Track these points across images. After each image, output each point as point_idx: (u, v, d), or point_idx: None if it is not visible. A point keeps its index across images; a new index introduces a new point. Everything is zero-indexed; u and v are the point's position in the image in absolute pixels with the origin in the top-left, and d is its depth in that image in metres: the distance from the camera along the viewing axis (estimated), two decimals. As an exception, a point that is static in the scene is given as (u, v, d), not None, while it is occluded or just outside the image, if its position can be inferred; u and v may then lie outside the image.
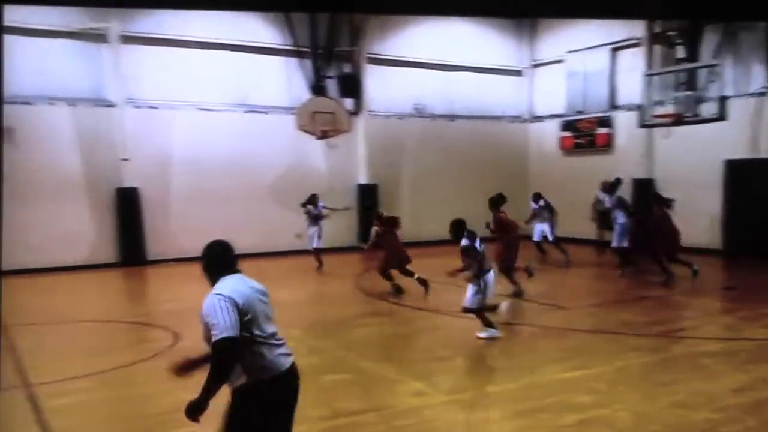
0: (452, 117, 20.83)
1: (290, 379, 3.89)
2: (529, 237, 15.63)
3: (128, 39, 16.33)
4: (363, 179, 19.45)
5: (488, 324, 8.42)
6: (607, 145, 19.31)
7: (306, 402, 6.26)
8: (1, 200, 3.22)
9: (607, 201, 14.18)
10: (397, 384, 6.82)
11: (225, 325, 3.59)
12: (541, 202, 15.80)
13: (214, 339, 3.61)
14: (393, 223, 12.52)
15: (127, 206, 16.36)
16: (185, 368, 4.01)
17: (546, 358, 7.61)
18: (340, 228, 17.89)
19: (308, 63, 18.52)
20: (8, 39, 14.90)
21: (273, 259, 16.22)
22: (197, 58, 17.27)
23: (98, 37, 16.09)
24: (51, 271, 15.13)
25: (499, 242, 11.25)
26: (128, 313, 11.34)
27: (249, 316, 3.71)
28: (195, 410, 3.68)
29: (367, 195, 19.34)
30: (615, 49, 19.06)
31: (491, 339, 8.33)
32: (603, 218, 15.40)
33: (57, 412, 6.06)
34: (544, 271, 13.87)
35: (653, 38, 17.53)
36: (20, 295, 12.37)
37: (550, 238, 15.68)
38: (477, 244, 8.33)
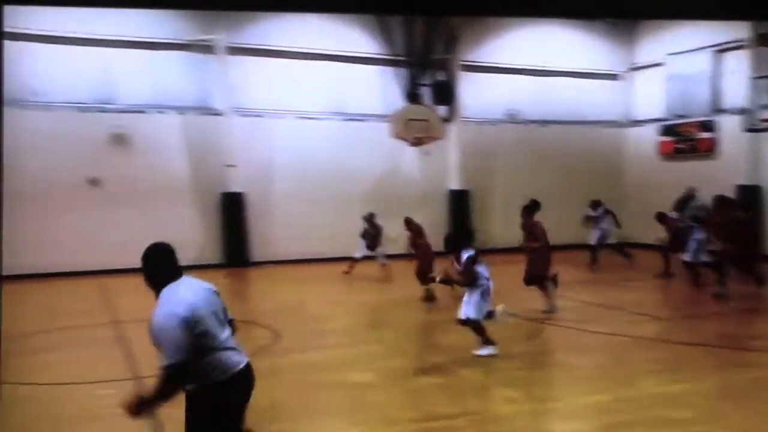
0: (546, 122, 20.41)
1: (243, 380, 3.76)
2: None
3: (235, 50, 16.94)
4: (455, 185, 19.37)
5: (487, 341, 7.83)
6: (709, 150, 18.36)
7: (397, 404, 6.35)
8: (2, 203, 3.35)
9: (673, 214, 13.47)
10: (488, 390, 6.75)
11: (174, 349, 3.42)
12: (600, 210, 15.59)
13: (163, 363, 3.45)
14: (421, 229, 12.58)
15: (232, 210, 16.98)
16: (138, 406, 3.62)
17: (641, 370, 7.31)
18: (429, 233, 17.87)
19: (404, 71, 18.63)
20: (125, 52, 16.04)
21: (367, 263, 16.41)
22: (299, 68, 17.72)
23: (206, 49, 16.77)
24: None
25: (530, 252, 10.52)
26: (232, 311, 11.73)
27: (200, 328, 3.52)
28: (136, 410, 3.56)
29: (459, 201, 19.25)
30: (718, 51, 18.11)
31: (490, 356, 7.71)
32: (675, 238, 13.31)
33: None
34: (633, 279, 13.35)
35: (759, 39, 16.56)
36: (133, 293, 13.08)
37: (609, 243, 15.59)
38: (476, 255, 7.90)
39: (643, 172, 20.46)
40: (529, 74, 20.12)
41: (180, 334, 3.43)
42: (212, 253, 16.95)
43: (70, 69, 15.66)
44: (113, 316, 10.87)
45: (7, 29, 12.94)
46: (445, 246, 8.06)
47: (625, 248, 15.94)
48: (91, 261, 15.38)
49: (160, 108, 16.58)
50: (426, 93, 18.81)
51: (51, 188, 15.32)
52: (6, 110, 13.09)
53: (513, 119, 20.17)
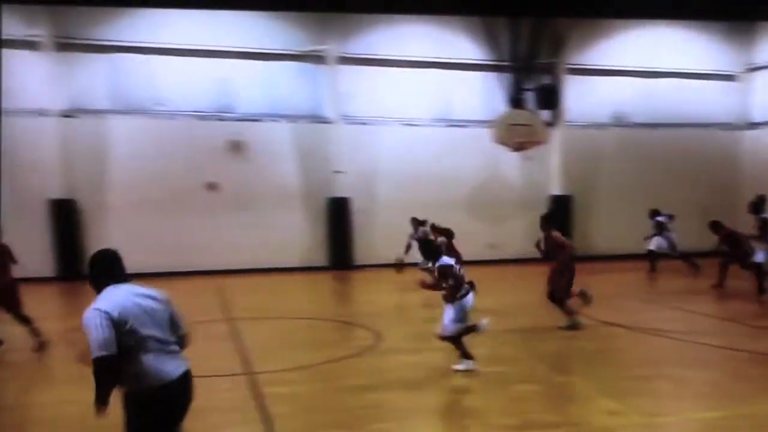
0: (654, 125, 19.55)
1: (178, 389, 3.76)
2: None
3: (344, 60, 17.34)
4: (556, 190, 18.91)
5: (466, 355, 7.44)
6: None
7: (495, 410, 6.28)
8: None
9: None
10: (589, 400, 6.54)
11: (99, 343, 3.49)
12: (660, 218, 15.23)
13: (92, 356, 3.52)
14: (450, 234, 12.27)
15: (338, 215, 17.36)
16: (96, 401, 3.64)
17: (759, 388, 6.85)
18: (525, 239, 17.60)
19: (507, 76, 18.41)
20: (242, 63, 16.74)
21: (467, 267, 16.33)
22: (405, 75, 17.92)
23: (318, 59, 17.25)
24: (269, 271, 16.50)
25: (551, 265, 9.80)
26: (335, 312, 12.04)
27: (128, 327, 3.56)
28: (97, 406, 3.59)
29: (560, 206, 18.79)
30: None
31: (468, 371, 7.35)
32: (734, 247, 12.39)
33: (274, 398, 6.56)
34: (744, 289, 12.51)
35: None
36: (246, 292, 13.66)
37: (672, 252, 15.11)
38: (455, 263, 7.58)
39: (760, 176, 19.17)
40: (637, 76, 19.37)
41: (104, 330, 3.51)
42: (318, 255, 17.40)
43: (191, 79, 16.55)
44: (228, 314, 11.38)
45: (136, 44, 13.90)
46: (422, 253, 7.80)
47: (692, 258, 15.18)
48: (207, 261, 16.18)
49: (274, 116, 17.19)
50: (529, 97, 18.50)
51: (173, 192, 16.26)
52: (135, 119, 14.01)
53: (619, 122, 19.47)
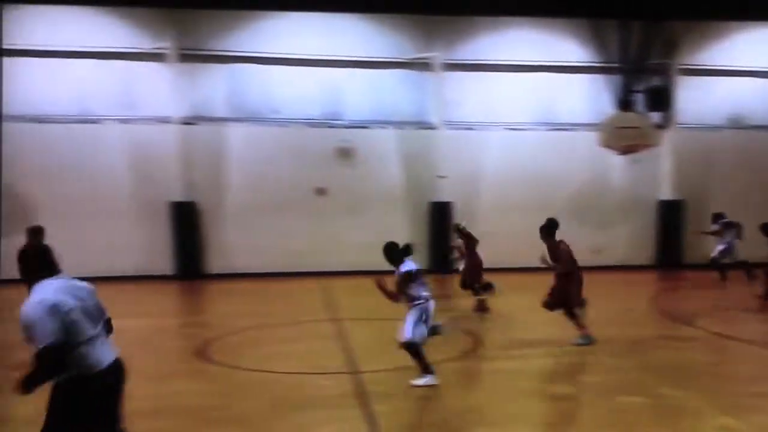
0: (774, 128, 18.26)
1: (111, 375, 3.85)
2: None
3: (449, 66, 17.33)
4: (666, 195, 18.02)
5: (426, 369, 7.01)
6: None
7: (599, 421, 6.08)
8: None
9: None
10: (700, 415, 6.18)
11: (46, 332, 3.51)
12: (722, 223, 14.68)
13: (37, 348, 3.51)
14: (471, 237, 12.02)
15: (440, 218, 17.33)
16: (23, 386, 3.60)
17: None
18: (631, 245, 17.01)
19: (616, 78, 17.76)
20: (351, 71, 17.05)
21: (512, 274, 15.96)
22: (509, 80, 17.70)
23: (424, 66, 17.33)
24: (373, 273, 16.58)
25: (556, 277, 9.06)
26: (439, 317, 11.99)
27: (69, 318, 3.62)
28: (22, 389, 3.57)
29: (670, 211, 17.92)
30: None
31: (428, 387, 6.90)
32: None
33: (377, 396, 6.65)
34: None
35: None
36: (351, 293, 13.91)
37: (729, 260, 14.47)
38: (416, 268, 7.27)
39: None
40: (757, 76, 18.15)
41: (49, 319, 3.56)
42: (419, 259, 17.42)
43: (303, 88, 17.05)
44: (333, 314, 11.66)
45: (253, 54, 14.41)
46: (385, 258, 7.44)
47: (750, 266, 14.14)
48: (315, 263, 16.62)
49: (381, 123, 17.44)
50: (639, 99, 17.76)
51: (284, 196, 16.83)
52: (251, 126, 14.57)
53: (736, 124, 18.32)
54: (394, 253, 7.40)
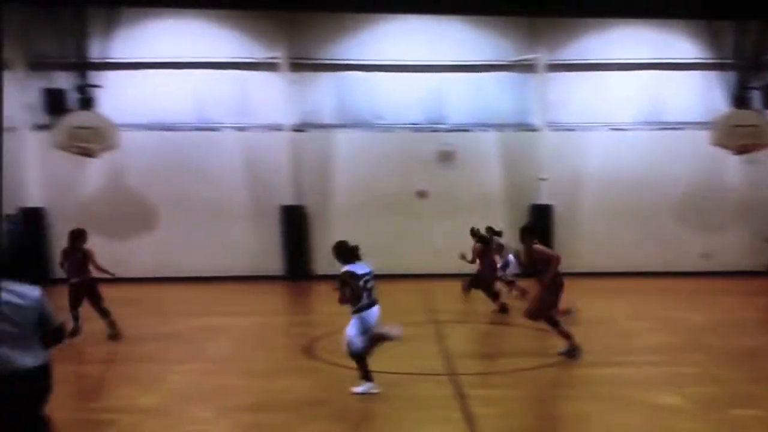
0: None
1: (27, 379, 3.89)
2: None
3: (553, 67, 16.99)
4: (784, 196, 16.78)
5: (366, 376, 6.78)
6: None
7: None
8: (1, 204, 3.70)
9: None
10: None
11: None
12: None
13: None
14: (487, 241, 12.07)
15: (541, 222, 16.91)
16: None
17: None
18: (745, 250, 15.90)
19: (730, 75, 16.74)
20: (453, 75, 16.95)
21: (676, 279, 15.13)
22: (615, 79, 17.15)
23: (527, 68, 17.06)
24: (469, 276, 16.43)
25: (537, 282, 8.41)
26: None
27: None
28: None
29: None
30: None
31: (368, 394, 6.69)
32: None
33: (477, 400, 6.58)
34: None
35: None
36: (450, 296, 13.87)
37: None
38: (363, 271, 6.81)
39: None
40: None
41: None
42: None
43: (407, 93, 17.21)
44: (432, 316, 11.67)
45: (360, 62, 14.67)
46: (334, 256, 7.11)
47: None
48: (415, 265, 16.68)
49: (483, 126, 17.29)
50: (756, 96, 16.64)
51: (387, 199, 17.03)
52: (357, 132, 14.78)
53: None
54: (341, 252, 7.11)
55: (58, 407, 6.40)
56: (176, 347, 9.37)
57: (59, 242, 15.42)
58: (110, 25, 16.21)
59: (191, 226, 16.63)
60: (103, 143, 15.05)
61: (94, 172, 16.18)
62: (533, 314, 8.47)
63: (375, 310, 6.87)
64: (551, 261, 8.17)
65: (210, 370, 8.10)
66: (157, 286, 15.73)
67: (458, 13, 16.70)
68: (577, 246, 16.83)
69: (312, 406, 6.57)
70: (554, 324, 8.34)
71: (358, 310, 6.77)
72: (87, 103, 15.83)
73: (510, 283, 12.96)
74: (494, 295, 11.80)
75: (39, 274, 12.86)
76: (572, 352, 8.25)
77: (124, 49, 16.38)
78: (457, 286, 13.43)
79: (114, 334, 9.72)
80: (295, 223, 17.05)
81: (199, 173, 16.85)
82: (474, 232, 12.44)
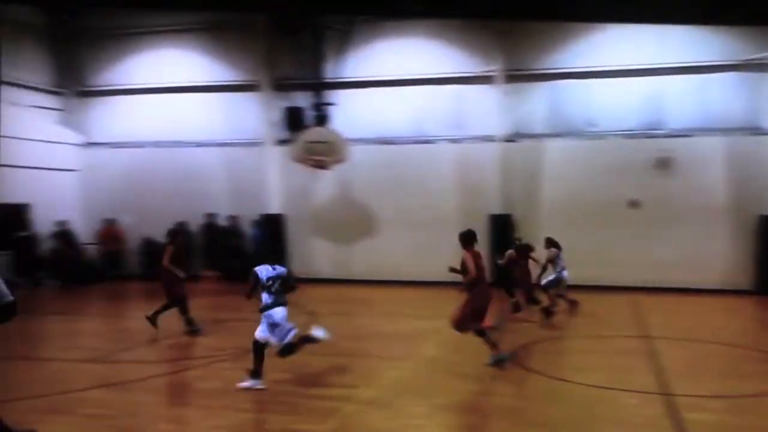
0: None
1: None
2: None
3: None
4: None
5: (256, 372, 7.07)
6: None
7: None
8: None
9: None
10: None
11: None
12: None
13: None
14: (526, 250, 12.21)
15: (768, 234, 15.04)
16: None
17: None
18: None
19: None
20: (672, 78, 15.82)
21: None
22: None
23: (759, 67, 15.34)
24: (685, 291, 14.97)
25: (468, 290, 8.05)
26: (758, 341, 10.49)
27: None
28: None
29: None
30: None
31: (253, 390, 7.00)
32: None
33: (693, 424, 6.11)
34: None
35: None
36: (665, 312, 12.91)
37: None
38: (269, 273, 7.04)
39: None
40: None
41: None
42: (743, 278, 15.24)
43: (621, 99, 16.30)
44: (644, 331, 10.93)
45: (574, 69, 14.55)
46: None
47: None
48: (624, 277, 15.66)
49: (706, 130, 15.79)
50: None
51: (597, 209, 16.14)
52: (568, 141, 14.61)
53: None
54: (268, 256, 7.59)
55: (284, 393, 7.20)
56: (395, 345, 9.88)
57: (295, 244, 17.34)
58: (342, 47, 17.58)
59: (408, 233, 17.29)
60: (335, 157, 16.29)
61: (326, 182, 17.56)
62: (461, 324, 8.24)
63: (278, 311, 7.14)
64: (469, 271, 7.93)
65: (421, 369, 8.46)
66: (378, 289, 16.32)
67: (688, 22, 15.21)
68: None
69: (512, 412, 6.64)
70: (481, 334, 8.17)
71: (262, 310, 7.12)
72: (322, 119, 17.28)
73: (559, 296, 12.31)
74: (533, 301, 12.11)
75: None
76: (501, 362, 8.09)
77: (354, 68, 17.62)
78: (672, 300, 12.49)
79: (195, 330, 10.39)
80: (501, 233, 16.51)
81: (415, 184, 17.44)
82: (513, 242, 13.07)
